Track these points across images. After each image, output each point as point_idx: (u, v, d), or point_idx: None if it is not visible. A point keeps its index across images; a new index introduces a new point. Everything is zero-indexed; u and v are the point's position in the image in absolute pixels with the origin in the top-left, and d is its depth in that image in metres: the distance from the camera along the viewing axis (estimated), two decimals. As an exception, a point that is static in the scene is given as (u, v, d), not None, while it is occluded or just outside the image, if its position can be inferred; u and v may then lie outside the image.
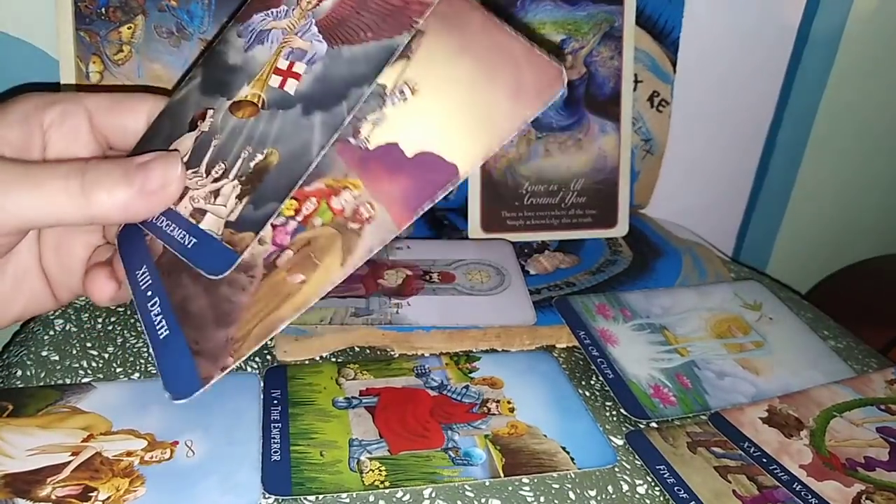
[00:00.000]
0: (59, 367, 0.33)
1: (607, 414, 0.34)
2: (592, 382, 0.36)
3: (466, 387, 0.34)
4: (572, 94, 0.47)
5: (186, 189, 0.26)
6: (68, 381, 0.33)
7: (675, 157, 0.54)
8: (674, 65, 0.51)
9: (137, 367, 0.34)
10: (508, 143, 0.25)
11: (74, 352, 0.35)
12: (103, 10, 0.38)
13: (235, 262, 0.25)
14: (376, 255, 0.26)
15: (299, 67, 0.26)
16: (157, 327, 0.26)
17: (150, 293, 0.26)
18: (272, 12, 0.28)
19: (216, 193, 0.26)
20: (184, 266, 0.26)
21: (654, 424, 0.34)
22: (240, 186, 0.25)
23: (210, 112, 0.27)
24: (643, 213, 0.54)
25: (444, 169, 0.24)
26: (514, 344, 0.38)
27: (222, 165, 0.26)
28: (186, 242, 0.25)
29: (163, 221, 0.26)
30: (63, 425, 0.30)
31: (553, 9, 0.45)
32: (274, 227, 0.26)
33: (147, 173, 0.25)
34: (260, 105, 0.26)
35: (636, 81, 0.50)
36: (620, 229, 0.48)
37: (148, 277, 0.27)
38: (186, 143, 0.27)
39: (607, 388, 0.35)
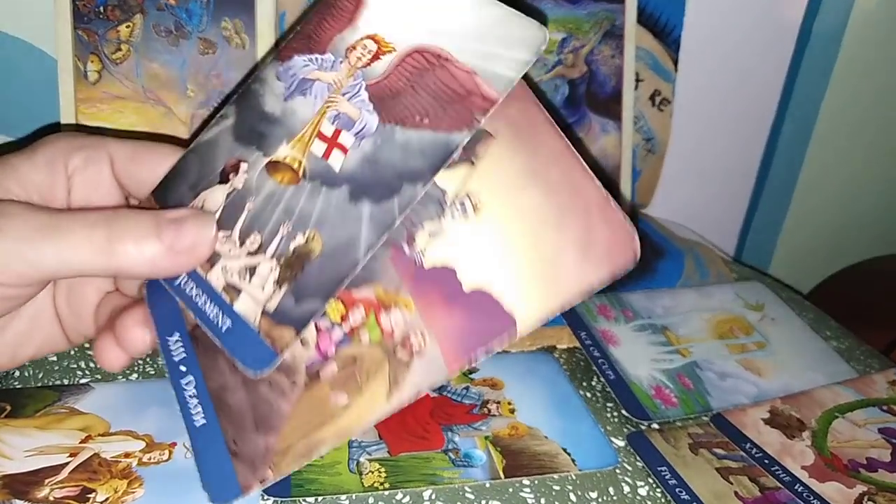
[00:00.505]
0: (57, 368, 0.33)
1: (608, 415, 0.34)
2: (593, 383, 0.36)
3: (467, 388, 0.34)
4: (574, 93, 0.46)
5: (217, 256, 0.24)
6: (66, 382, 0.33)
7: (677, 156, 0.54)
8: (675, 63, 0.51)
9: (136, 368, 0.34)
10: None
11: (72, 352, 0.34)
12: (102, 8, 0.38)
13: (276, 363, 0.23)
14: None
15: (346, 139, 0.24)
16: (193, 412, 0.24)
17: (183, 368, 0.25)
18: (316, 59, 0.25)
19: (252, 271, 0.24)
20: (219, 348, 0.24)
21: (655, 425, 0.33)
22: (278, 270, 0.23)
23: (244, 166, 0.25)
24: (645, 212, 0.54)
25: (502, 318, 0.23)
26: (514, 345, 0.38)
27: (258, 237, 0.24)
28: (220, 324, 0.24)
29: (192, 289, 0.24)
30: (61, 426, 0.29)
31: (554, 7, 0.45)
32: (318, 329, 0.24)
33: (179, 230, 0.24)
34: (300, 173, 0.24)
35: (637, 80, 0.50)
36: (621, 229, 0.48)
37: (182, 349, 0.25)
38: (217, 197, 0.25)
39: (608, 389, 0.35)
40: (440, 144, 0.23)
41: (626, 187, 0.48)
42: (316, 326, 0.24)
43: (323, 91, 0.25)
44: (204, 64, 0.40)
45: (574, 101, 0.46)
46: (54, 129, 0.40)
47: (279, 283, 0.23)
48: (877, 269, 0.66)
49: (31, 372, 0.33)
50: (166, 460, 0.28)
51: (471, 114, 0.23)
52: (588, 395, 0.35)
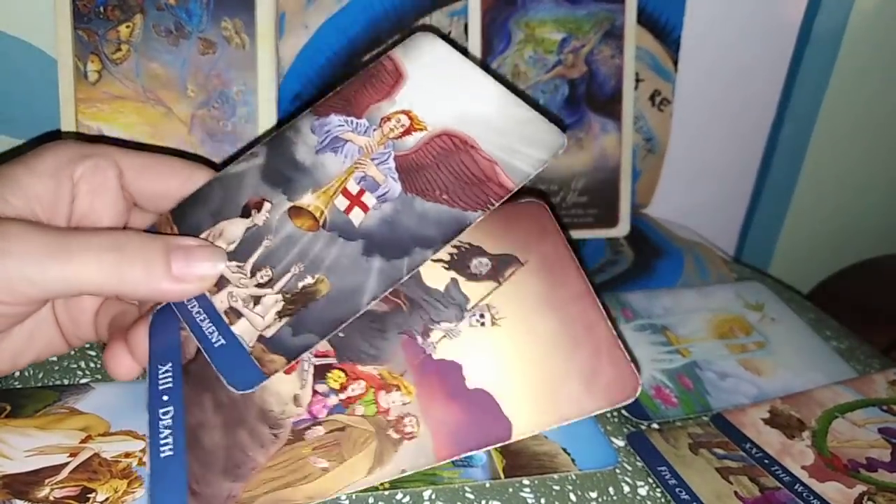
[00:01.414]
0: (57, 368, 0.33)
1: (608, 415, 0.34)
2: (593, 383, 0.36)
3: (467, 387, 0.34)
4: (573, 93, 0.46)
5: (227, 282, 0.25)
6: (66, 382, 0.33)
7: (677, 156, 0.54)
8: (675, 63, 0.51)
9: (136, 368, 0.34)
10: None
11: (72, 352, 0.34)
12: (101, 8, 0.38)
13: (260, 383, 0.24)
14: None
15: (369, 199, 0.25)
16: (163, 442, 0.24)
17: (166, 398, 0.25)
18: (352, 122, 0.27)
19: (257, 300, 0.25)
20: (209, 386, 0.25)
21: (655, 425, 0.33)
22: (283, 303, 0.24)
23: (267, 205, 0.26)
24: (645, 212, 0.54)
25: (498, 421, 0.24)
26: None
27: (269, 273, 0.25)
28: (214, 340, 0.24)
29: (194, 306, 0.25)
30: (61, 426, 0.29)
31: (554, 7, 0.45)
32: (315, 393, 0.25)
33: (188, 260, 0.24)
34: (321, 222, 0.25)
35: (637, 80, 0.50)
36: (622, 229, 0.48)
37: (170, 379, 0.25)
38: (236, 229, 0.26)
39: (608, 388, 0.35)
40: (454, 219, 0.25)
41: (625, 187, 0.48)
42: (313, 390, 0.25)
43: (353, 153, 0.26)
44: (204, 64, 0.40)
45: (574, 101, 0.47)
46: (54, 132, 0.40)
47: (281, 314, 0.24)
48: (877, 269, 0.66)
49: (31, 372, 0.33)
50: (166, 460, 0.28)
51: (487, 197, 0.24)
52: (588, 394, 0.35)
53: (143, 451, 0.29)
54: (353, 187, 0.26)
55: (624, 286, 0.44)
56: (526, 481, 0.29)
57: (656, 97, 0.51)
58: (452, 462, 0.30)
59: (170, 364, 0.26)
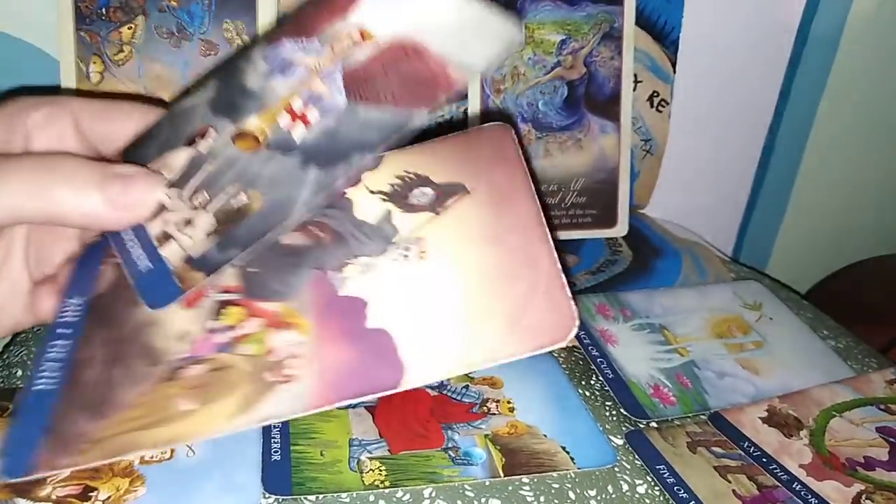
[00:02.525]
0: (59, 367, 0.33)
1: (607, 414, 0.34)
2: (592, 382, 0.36)
3: (466, 386, 0.34)
4: (572, 94, 0.47)
5: (163, 208, 0.25)
6: (69, 381, 0.33)
7: (675, 157, 0.54)
8: (673, 65, 0.51)
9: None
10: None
11: (75, 352, 0.34)
12: (104, 10, 0.38)
13: (176, 299, 0.24)
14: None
15: (311, 114, 0.25)
16: (40, 375, 0.24)
17: (63, 331, 0.25)
18: (303, 44, 0.26)
19: (189, 223, 0.25)
20: (108, 322, 0.25)
21: (653, 424, 0.34)
22: (215, 223, 0.24)
23: (212, 132, 0.26)
24: (643, 212, 0.54)
25: (390, 367, 0.22)
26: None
27: (206, 196, 0.25)
28: (141, 265, 0.24)
29: (128, 234, 0.25)
30: (63, 425, 0.30)
31: (553, 9, 0.45)
32: (207, 331, 0.24)
33: (125, 187, 0.23)
34: (263, 142, 0.25)
35: (636, 81, 0.50)
36: (620, 229, 0.48)
37: (75, 313, 0.25)
38: (180, 158, 0.26)
39: (607, 387, 0.35)
40: (398, 120, 0.23)
41: (624, 188, 0.48)
42: (207, 327, 0.24)
43: (303, 73, 0.25)
44: (206, 65, 0.40)
45: (573, 103, 0.47)
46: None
47: (210, 234, 0.24)
48: (874, 269, 0.67)
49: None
50: (168, 458, 0.29)
51: (434, 94, 0.23)
52: (587, 393, 0.35)
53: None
54: (297, 104, 0.25)
55: (622, 286, 0.44)
56: (525, 479, 0.30)
57: (654, 98, 0.52)
58: (452, 461, 0.30)
59: (77, 298, 0.25)
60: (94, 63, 0.39)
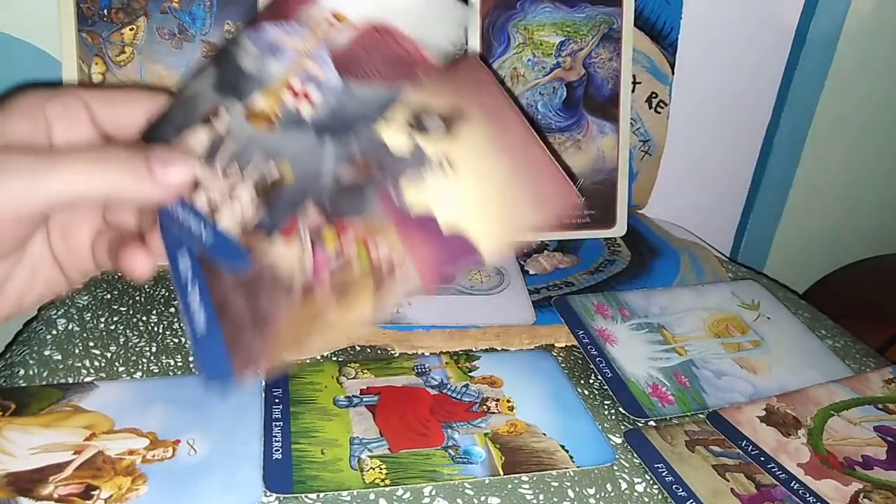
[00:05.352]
0: (61, 367, 0.34)
1: (606, 412, 0.34)
2: (591, 381, 0.36)
3: (466, 385, 0.34)
4: (571, 96, 0.47)
5: (202, 186, 0.28)
6: (71, 381, 0.33)
7: (674, 157, 0.55)
8: (672, 66, 0.51)
9: (140, 367, 0.34)
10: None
11: (77, 351, 0.35)
12: (105, 11, 0.39)
13: (251, 262, 0.27)
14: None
15: (313, 93, 0.29)
16: (197, 317, 0.27)
17: (183, 284, 0.28)
18: (284, 27, 0.30)
19: (233, 196, 0.28)
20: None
21: (652, 423, 0.34)
22: (255, 194, 0.28)
23: (223, 110, 0.29)
24: (641, 213, 0.55)
25: (472, 251, 0.27)
26: (513, 343, 0.38)
27: (238, 171, 0.28)
28: (205, 239, 0.28)
29: (180, 214, 0.28)
30: (65, 424, 0.30)
31: (552, 11, 0.46)
32: (315, 258, 0.27)
33: (165, 164, 0.27)
34: (276, 120, 0.28)
35: (635, 83, 0.50)
36: (619, 229, 0.48)
37: (189, 267, 0.28)
38: (201, 136, 0.29)
39: (606, 386, 0.35)
40: (390, 94, 0.28)
41: (623, 188, 0.48)
42: (313, 252, 0.28)
43: (293, 55, 0.29)
44: (206, 66, 0.40)
45: (572, 104, 0.47)
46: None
47: (256, 203, 0.28)
48: (872, 269, 0.67)
49: (36, 370, 0.33)
50: (170, 457, 0.29)
51: (415, 72, 0.28)
52: (586, 392, 0.36)
53: (146, 448, 0.29)
54: (297, 84, 0.29)
55: (621, 285, 0.44)
56: (525, 478, 0.30)
57: (653, 99, 0.52)
58: (452, 459, 0.30)
59: (185, 249, 0.28)
60: (96, 64, 0.39)
